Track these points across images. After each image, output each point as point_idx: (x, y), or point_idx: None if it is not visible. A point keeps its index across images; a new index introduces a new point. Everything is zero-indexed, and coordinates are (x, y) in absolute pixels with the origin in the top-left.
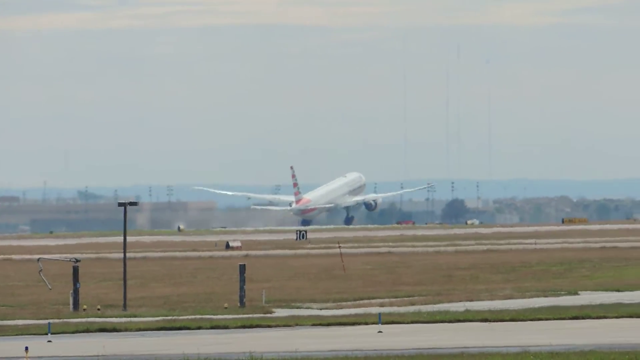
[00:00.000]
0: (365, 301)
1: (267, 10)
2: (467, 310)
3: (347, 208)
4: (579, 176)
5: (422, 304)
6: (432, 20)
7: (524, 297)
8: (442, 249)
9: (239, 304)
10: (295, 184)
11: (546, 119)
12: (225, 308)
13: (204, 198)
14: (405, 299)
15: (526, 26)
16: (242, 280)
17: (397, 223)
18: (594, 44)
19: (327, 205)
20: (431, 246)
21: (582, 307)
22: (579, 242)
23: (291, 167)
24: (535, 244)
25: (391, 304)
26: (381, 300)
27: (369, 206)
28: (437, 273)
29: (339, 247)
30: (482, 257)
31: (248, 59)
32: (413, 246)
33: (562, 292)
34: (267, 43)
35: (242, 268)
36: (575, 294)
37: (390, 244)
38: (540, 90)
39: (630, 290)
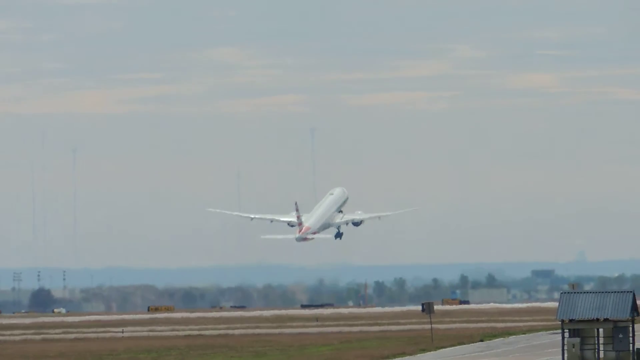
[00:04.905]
0: None
1: None
2: None
3: (339, 227)
4: (162, 264)
5: None
6: (13, 108)
7: None
8: (29, 337)
9: None
10: (298, 217)
11: (121, 208)
12: None
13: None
14: None
15: (106, 114)
16: None
17: None
18: (174, 131)
19: (322, 234)
20: (18, 335)
21: None
22: (165, 330)
23: (295, 203)
24: (122, 332)
25: None
26: None
27: (356, 223)
28: None
29: None
30: (70, 346)
31: None
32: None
33: None
34: None
35: None
36: None
37: None
38: (102, 175)
39: None
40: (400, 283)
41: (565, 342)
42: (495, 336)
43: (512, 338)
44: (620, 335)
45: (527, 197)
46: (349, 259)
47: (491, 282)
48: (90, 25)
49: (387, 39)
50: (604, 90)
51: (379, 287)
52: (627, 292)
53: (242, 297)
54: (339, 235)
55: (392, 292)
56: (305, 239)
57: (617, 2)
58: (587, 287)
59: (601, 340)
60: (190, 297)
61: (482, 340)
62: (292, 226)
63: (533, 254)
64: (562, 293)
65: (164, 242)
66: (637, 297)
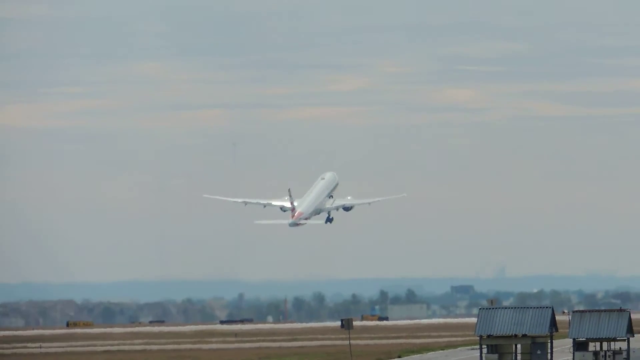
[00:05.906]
0: None
1: None
2: None
3: (329, 212)
4: (81, 279)
5: None
6: None
7: None
8: None
9: None
10: (291, 202)
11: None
12: None
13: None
14: None
15: (28, 128)
16: None
17: None
18: (97, 145)
19: (313, 220)
20: None
21: None
22: (84, 346)
23: (289, 189)
24: (41, 347)
25: None
26: None
27: (347, 209)
28: None
29: None
30: None
31: None
32: None
33: None
34: None
35: None
36: None
37: None
38: (22, 189)
39: None
40: (320, 298)
41: (484, 358)
42: (413, 352)
43: (430, 354)
44: (539, 351)
45: (446, 212)
46: (268, 274)
47: (411, 297)
48: (13, 40)
49: (310, 54)
50: (526, 106)
51: (298, 302)
52: (546, 307)
53: (161, 313)
54: (329, 220)
55: (311, 308)
56: (297, 225)
57: (538, 18)
58: (506, 303)
59: (519, 357)
60: (109, 313)
61: (399, 357)
62: (284, 211)
63: (452, 270)
64: (480, 309)
65: (83, 256)
66: (555, 313)
